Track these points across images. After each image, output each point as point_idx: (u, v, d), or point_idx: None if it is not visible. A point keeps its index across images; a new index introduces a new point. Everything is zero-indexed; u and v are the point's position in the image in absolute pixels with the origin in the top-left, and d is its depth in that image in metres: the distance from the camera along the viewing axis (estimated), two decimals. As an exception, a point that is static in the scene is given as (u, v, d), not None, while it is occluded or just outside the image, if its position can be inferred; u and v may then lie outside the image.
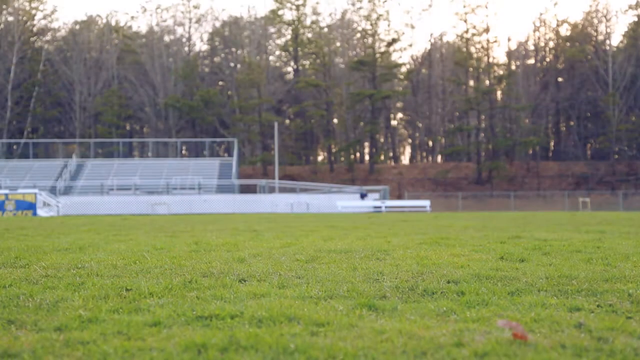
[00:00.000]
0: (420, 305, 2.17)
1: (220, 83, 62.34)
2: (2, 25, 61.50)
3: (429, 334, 1.71)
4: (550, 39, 69.10)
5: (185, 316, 1.97)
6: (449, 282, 2.72)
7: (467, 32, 62.84)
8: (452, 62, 66.54)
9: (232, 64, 62.24)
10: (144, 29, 63.95)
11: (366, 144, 67.62)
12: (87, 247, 5.02)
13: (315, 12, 67.95)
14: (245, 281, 2.81)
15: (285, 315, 1.94)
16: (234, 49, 62.68)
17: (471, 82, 67.23)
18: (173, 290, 2.49)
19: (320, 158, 69.89)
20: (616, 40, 76.88)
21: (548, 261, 3.54)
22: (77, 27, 65.35)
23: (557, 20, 68.36)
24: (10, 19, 61.90)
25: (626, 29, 66.81)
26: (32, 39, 63.94)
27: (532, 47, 69.69)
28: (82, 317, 1.94)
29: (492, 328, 1.77)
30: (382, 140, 69.71)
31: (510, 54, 68.68)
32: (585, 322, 1.77)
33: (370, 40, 64.03)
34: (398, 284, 2.66)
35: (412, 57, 73.19)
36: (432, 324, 1.85)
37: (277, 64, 68.02)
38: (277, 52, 67.87)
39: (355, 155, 66.74)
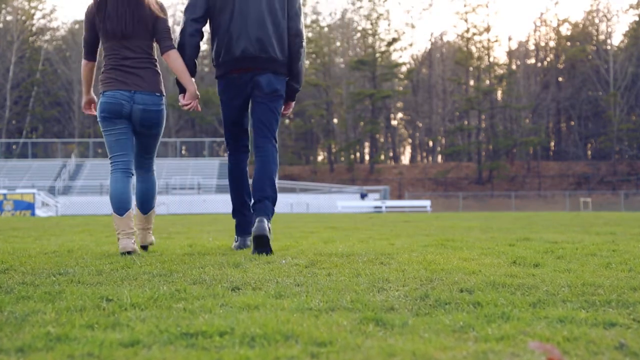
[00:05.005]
0: (433, 319, 1.93)
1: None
2: (1, 25, 61.25)
3: (447, 357, 1.48)
4: (551, 38, 68.93)
5: (168, 333, 1.73)
6: (462, 290, 2.48)
7: (467, 31, 62.64)
8: (453, 61, 66.36)
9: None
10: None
11: (366, 144, 67.42)
12: (76, 249, 4.79)
13: (315, 12, 67.65)
14: (238, 289, 2.57)
15: (282, 332, 1.70)
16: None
17: (472, 82, 67.05)
18: (158, 300, 2.26)
19: (320, 158, 69.65)
20: (617, 39, 76.77)
21: (565, 266, 3.31)
22: (77, 26, 65.01)
23: (558, 20, 68.22)
24: (9, 18, 61.67)
25: (627, 29, 66.66)
26: (31, 38, 63.72)
27: (532, 47, 69.48)
28: (50, 334, 1.71)
29: (519, 349, 1.53)
30: (382, 140, 69.48)
31: (510, 54, 68.51)
32: (627, 343, 1.53)
33: (370, 39, 63.78)
34: (406, 293, 2.42)
35: (412, 56, 73.03)
36: (449, 343, 1.62)
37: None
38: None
39: (355, 155, 66.54)
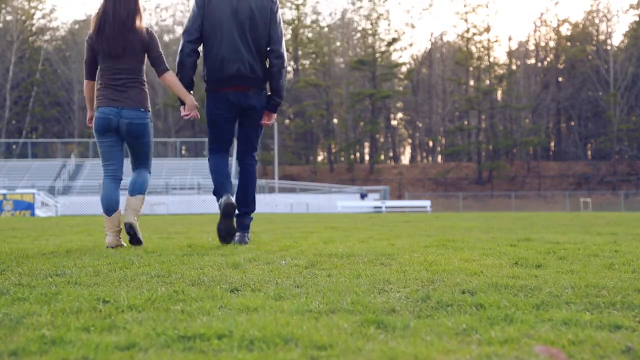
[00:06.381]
0: (435, 321, 1.90)
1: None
2: (1, 25, 61.15)
3: (450, 360, 1.45)
4: (551, 38, 68.85)
5: (165, 335, 1.70)
6: (464, 292, 2.45)
7: (467, 31, 62.57)
8: (453, 61, 66.28)
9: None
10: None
11: (366, 144, 67.38)
12: (74, 250, 4.76)
13: (315, 12, 67.53)
14: (237, 291, 2.54)
15: (281, 335, 1.67)
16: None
17: (472, 82, 66.97)
18: (156, 302, 2.23)
19: (320, 158, 69.57)
20: (617, 39, 76.71)
21: (567, 267, 3.28)
22: (76, 26, 64.91)
23: (558, 20, 68.11)
24: (9, 18, 61.56)
25: (627, 29, 66.59)
26: (31, 38, 63.62)
27: (532, 47, 69.39)
28: (45, 337, 1.68)
29: (523, 353, 1.50)
30: (382, 140, 69.44)
31: (510, 54, 68.45)
32: (633, 346, 1.50)
33: (370, 39, 63.72)
34: (408, 294, 2.39)
35: (412, 56, 72.99)
36: (452, 346, 1.58)
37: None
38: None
39: (355, 155, 66.48)
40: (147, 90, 5.00)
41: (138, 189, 5.05)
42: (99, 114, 4.85)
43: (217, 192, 5.05)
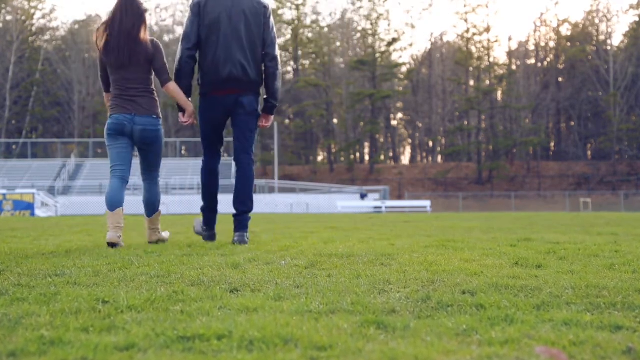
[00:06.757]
0: (435, 322, 1.90)
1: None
2: (1, 25, 61.13)
3: (450, 361, 1.44)
4: (551, 38, 68.86)
5: (165, 336, 1.70)
6: (464, 292, 2.44)
7: (467, 31, 62.57)
8: (453, 61, 66.29)
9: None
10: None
11: (366, 144, 67.37)
12: (74, 250, 4.75)
13: (315, 12, 67.53)
14: (237, 291, 2.53)
15: (281, 336, 1.67)
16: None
17: (472, 82, 66.95)
18: (156, 302, 2.22)
19: (320, 158, 69.54)
20: (617, 40, 76.72)
21: (567, 268, 3.27)
22: (76, 26, 64.91)
23: (558, 20, 68.12)
24: (9, 18, 61.55)
25: (627, 29, 66.59)
26: (30, 38, 63.62)
27: (532, 47, 69.40)
28: (43, 338, 1.67)
29: (524, 354, 1.49)
30: (382, 140, 69.43)
31: (511, 54, 68.44)
32: (635, 347, 1.49)
33: (370, 39, 63.73)
34: (408, 295, 2.39)
35: (412, 56, 72.98)
36: (452, 347, 1.58)
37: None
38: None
39: (355, 155, 66.46)
40: (157, 98, 5.19)
41: (152, 209, 5.40)
42: (112, 120, 5.05)
43: (203, 212, 5.44)
